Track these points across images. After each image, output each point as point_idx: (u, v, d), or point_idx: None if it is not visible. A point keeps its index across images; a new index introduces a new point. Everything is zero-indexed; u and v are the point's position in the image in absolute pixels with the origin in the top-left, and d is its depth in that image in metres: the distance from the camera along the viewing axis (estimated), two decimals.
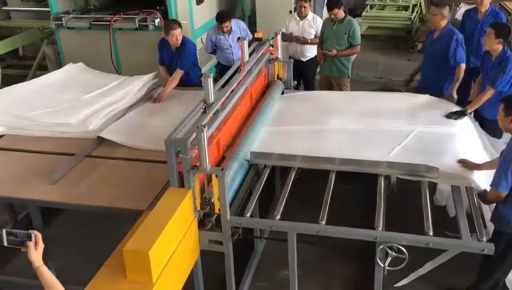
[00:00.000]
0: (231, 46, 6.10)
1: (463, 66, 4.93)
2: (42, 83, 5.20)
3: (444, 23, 5.02)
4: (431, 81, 5.07)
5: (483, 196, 3.39)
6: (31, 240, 2.27)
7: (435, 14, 5.00)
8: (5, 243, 2.30)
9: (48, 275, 2.26)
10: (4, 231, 2.28)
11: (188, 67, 5.28)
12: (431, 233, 3.09)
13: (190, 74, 5.35)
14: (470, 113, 4.45)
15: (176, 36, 5.12)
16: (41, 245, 2.28)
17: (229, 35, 6.04)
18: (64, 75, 5.45)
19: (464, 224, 3.22)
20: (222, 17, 5.95)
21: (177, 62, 5.20)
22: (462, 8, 8.17)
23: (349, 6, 10.61)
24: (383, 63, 8.05)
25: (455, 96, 4.95)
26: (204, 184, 3.23)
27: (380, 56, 8.50)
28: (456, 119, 4.23)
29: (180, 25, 5.22)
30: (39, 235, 2.29)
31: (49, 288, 2.26)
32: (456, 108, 4.44)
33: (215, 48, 6.27)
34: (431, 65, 5.11)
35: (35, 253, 2.25)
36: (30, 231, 2.29)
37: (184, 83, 5.27)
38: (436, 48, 5.04)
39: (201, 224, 3.31)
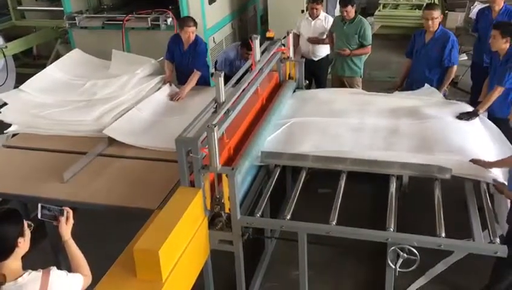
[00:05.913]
0: None
1: (455, 67, 5.03)
2: (53, 78, 5.22)
3: (437, 25, 4.98)
4: (425, 82, 5.01)
5: (500, 190, 3.38)
6: (63, 215, 2.48)
7: (433, 18, 4.92)
8: (39, 216, 2.51)
9: (74, 248, 2.50)
10: (40, 205, 2.49)
11: (203, 67, 5.29)
12: (443, 235, 3.06)
13: (202, 73, 5.35)
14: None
15: (190, 33, 5.14)
16: (71, 221, 2.51)
17: (245, 61, 5.79)
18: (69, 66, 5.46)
19: (476, 225, 3.19)
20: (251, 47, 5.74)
21: (192, 63, 5.22)
22: (477, 7, 8.05)
23: (362, 6, 10.54)
24: (396, 62, 7.94)
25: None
26: (215, 183, 3.23)
27: (393, 55, 8.41)
28: (467, 120, 4.20)
29: (195, 23, 5.23)
30: (70, 212, 2.52)
31: (74, 258, 2.49)
32: (468, 108, 4.40)
33: (229, 69, 5.87)
34: (426, 66, 5.08)
35: (66, 227, 2.49)
36: (63, 207, 2.51)
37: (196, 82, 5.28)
38: (432, 49, 5.02)
39: (212, 223, 3.31)
